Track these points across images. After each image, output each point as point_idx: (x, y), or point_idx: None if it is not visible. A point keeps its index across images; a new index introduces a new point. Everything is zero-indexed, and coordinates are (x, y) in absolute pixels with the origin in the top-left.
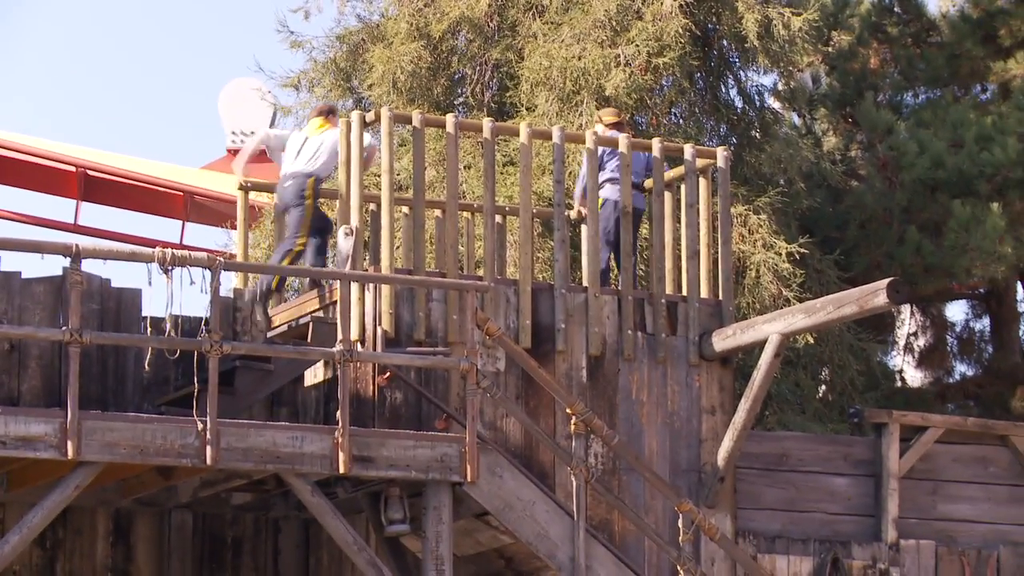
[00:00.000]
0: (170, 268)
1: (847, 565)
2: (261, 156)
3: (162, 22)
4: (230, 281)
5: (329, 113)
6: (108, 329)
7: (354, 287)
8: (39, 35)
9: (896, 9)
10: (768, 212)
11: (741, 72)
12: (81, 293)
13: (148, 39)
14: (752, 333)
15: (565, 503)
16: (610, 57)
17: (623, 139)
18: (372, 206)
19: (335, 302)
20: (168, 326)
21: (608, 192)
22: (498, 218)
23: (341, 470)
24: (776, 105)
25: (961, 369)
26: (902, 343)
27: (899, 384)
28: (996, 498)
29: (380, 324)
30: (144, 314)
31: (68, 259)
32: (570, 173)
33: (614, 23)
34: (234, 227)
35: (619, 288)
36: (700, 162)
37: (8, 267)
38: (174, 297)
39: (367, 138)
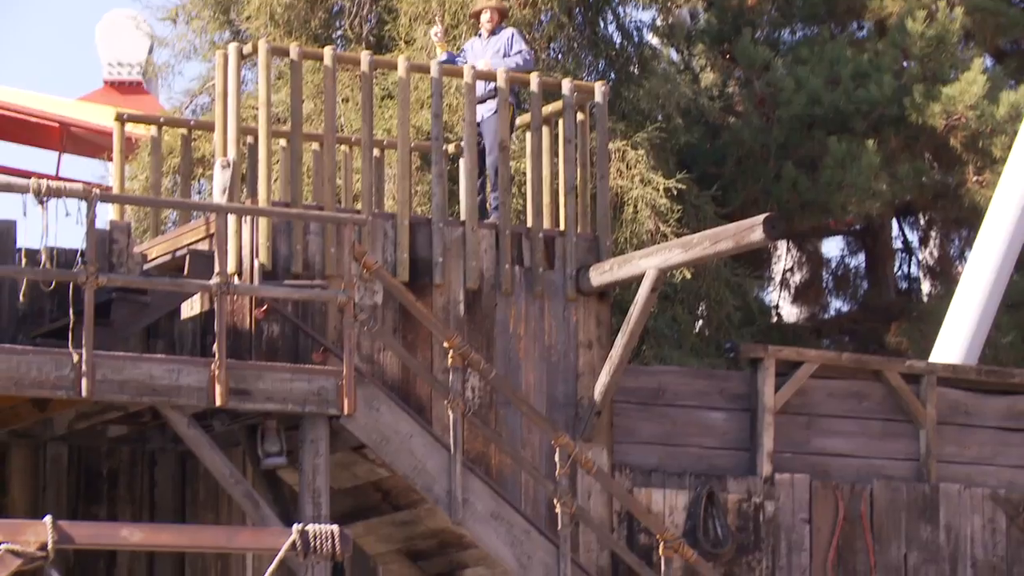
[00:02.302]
0: (45, 199)
1: (722, 499)
2: (138, 88)
3: None
4: (106, 213)
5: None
6: None
7: (231, 220)
8: None
9: None
10: (646, 147)
11: (620, 7)
12: None
13: None
14: (629, 268)
15: (442, 436)
16: None
17: (501, 73)
18: (250, 138)
19: (212, 235)
20: (43, 258)
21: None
22: (376, 152)
23: (218, 403)
24: (654, 41)
25: (836, 305)
26: (778, 279)
27: (775, 319)
28: (870, 433)
29: (257, 257)
30: (19, 246)
31: None
32: (448, 106)
33: None
34: (111, 159)
35: (497, 222)
36: (578, 97)
37: None
38: (49, 229)
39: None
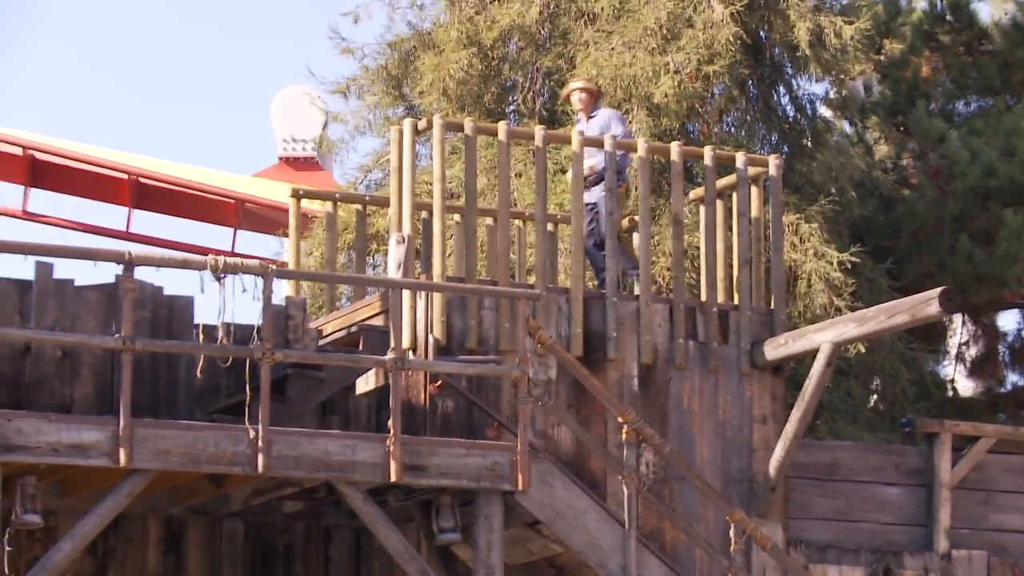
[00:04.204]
0: (222, 275)
1: (899, 575)
2: (312, 164)
3: (214, 29)
4: (282, 289)
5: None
6: (160, 337)
7: (406, 295)
8: (91, 43)
9: (948, 17)
10: (819, 221)
11: (793, 80)
12: (134, 301)
13: (200, 46)
14: (804, 342)
15: (616, 512)
16: (660, 65)
17: (675, 147)
18: (424, 214)
19: (387, 310)
20: (220, 334)
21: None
22: (549, 226)
23: (393, 478)
24: (828, 113)
25: (1013, 379)
26: (954, 352)
27: (951, 394)
28: None
29: (432, 332)
30: (196, 322)
31: (121, 266)
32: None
33: (664, 31)
34: (286, 235)
35: (671, 297)
36: (752, 170)
37: (61, 275)
38: (226, 305)
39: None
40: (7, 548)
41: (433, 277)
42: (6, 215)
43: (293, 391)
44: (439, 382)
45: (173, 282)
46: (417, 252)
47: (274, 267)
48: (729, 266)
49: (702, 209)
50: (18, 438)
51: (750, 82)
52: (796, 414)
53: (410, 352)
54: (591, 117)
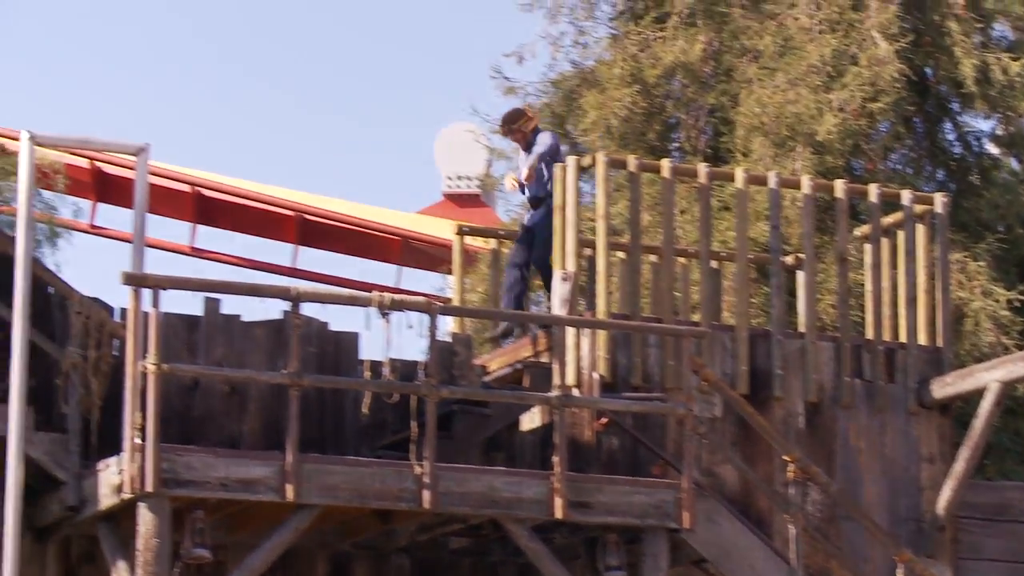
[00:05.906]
0: (388, 312)
1: None
2: (476, 201)
3: (378, 69)
4: (447, 325)
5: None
6: (326, 372)
7: (570, 332)
8: (254, 84)
9: None
10: (987, 259)
11: (959, 117)
12: (300, 336)
13: (365, 85)
14: (972, 381)
15: (783, 551)
16: (824, 102)
17: (839, 184)
18: (588, 251)
19: (551, 348)
20: (386, 370)
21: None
22: (714, 263)
23: (558, 515)
24: (995, 150)
25: None
26: None
27: None
28: None
29: (596, 369)
30: (362, 357)
31: (287, 303)
32: (784, 218)
33: (829, 68)
34: (450, 272)
35: (837, 335)
36: (918, 208)
37: (228, 310)
38: (392, 341)
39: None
40: None
41: (598, 314)
42: (175, 251)
43: (459, 427)
44: (604, 419)
45: (339, 318)
46: (581, 289)
47: (439, 304)
48: (895, 304)
49: (867, 247)
50: (187, 473)
51: (916, 119)
52: (964, 453)
53: (575, 389)
54: (530, 147)
